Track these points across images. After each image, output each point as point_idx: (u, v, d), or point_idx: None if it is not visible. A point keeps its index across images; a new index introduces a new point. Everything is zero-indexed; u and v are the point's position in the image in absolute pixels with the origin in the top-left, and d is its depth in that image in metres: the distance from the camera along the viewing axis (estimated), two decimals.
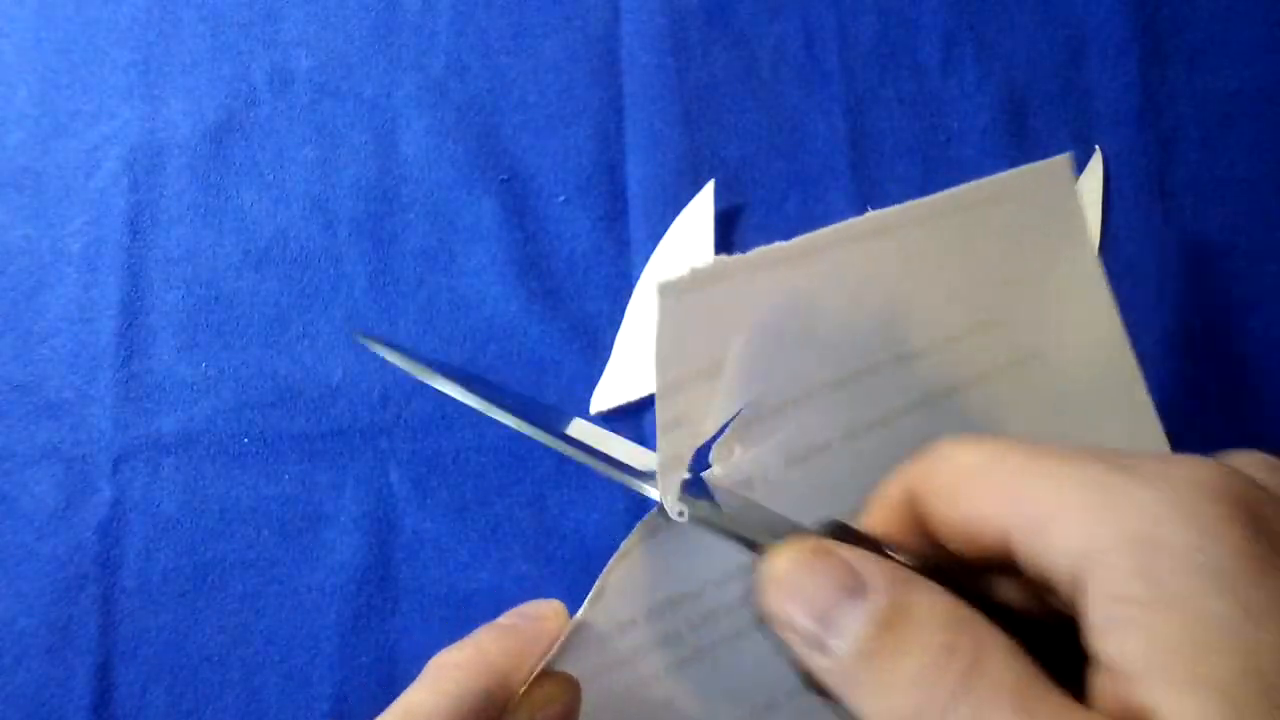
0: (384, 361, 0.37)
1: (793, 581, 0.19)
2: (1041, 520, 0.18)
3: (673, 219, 0.38)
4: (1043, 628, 0.18)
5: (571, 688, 0.25)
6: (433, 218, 0.39)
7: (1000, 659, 0.17)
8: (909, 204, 0.25)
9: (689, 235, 0.38)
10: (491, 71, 0.40)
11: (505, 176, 0.39)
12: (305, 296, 0.38)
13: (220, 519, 0.36)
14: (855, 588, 0.18)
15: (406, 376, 0.37)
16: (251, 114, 0.40)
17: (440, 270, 0.38)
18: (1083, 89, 0.39)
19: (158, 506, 0.36)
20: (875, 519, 0.22)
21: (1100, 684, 0.16)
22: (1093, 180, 0.38)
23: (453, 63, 0.40)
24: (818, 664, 0.18)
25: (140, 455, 0.37)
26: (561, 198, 0.39)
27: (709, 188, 0.38)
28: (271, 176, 0.39)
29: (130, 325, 0.38)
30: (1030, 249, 0.27)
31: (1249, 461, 0.20)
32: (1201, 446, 0.36)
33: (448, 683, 0.23)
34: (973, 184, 0.26)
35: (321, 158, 0.39)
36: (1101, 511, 0.17)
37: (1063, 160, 0.28)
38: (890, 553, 0.20)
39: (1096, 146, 0.38)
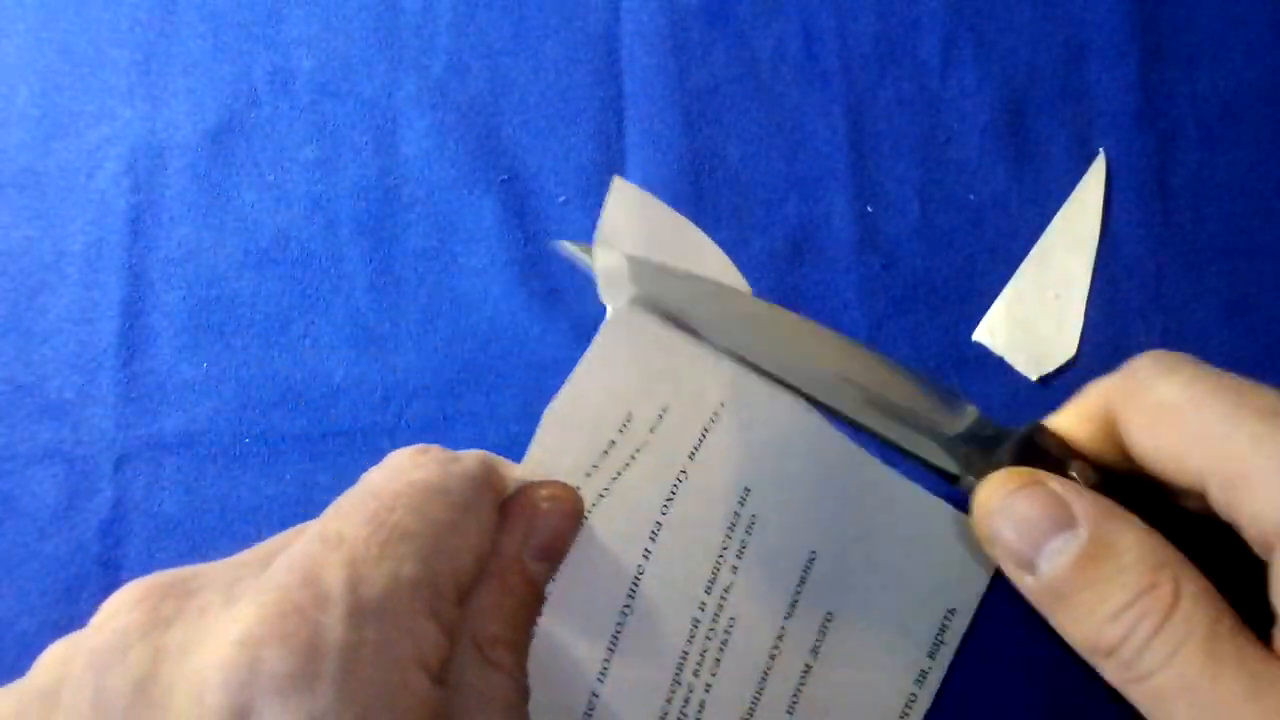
0: (385, 361, 0.37)
1: (1005, 508, 0.21)
2: (1239, 478, 0.19)
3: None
4: (1228, 544, 0.20)
5: (580, 505, 0.25)
6: (433, 218, 0.39)
7: (1196, 605, 0.18)
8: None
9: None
10: (492, 72, 0.40)
11: (506, 177, 0.39)
12: (306, 297, 0.38)
13: (222, 519, 0.36)
14: (1063, 519, 0.20)
15: (408, 376, 0.37)
16: (252, 114, 0.40)
17: (441, 270, 0.38)
18: (1082, 89, 0.39)
19: (159, 507, 0.36)
20: (1069, 419, 0.23)
21: None
22: (1095, 182, 0.38)
23: (453, 63, 0.40)
24: (1024, 583, 0.21)
25: (142, 455, 0.37)
26: (562, 198, 0.39)
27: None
28: (272, 177, 0.39)
29: (131, 325, 0.38)
30: None
31: None
32: None
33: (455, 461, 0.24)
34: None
35: (322, 158, 0.39)
36: None
37: None
38: (1083, 463, 0.22)
39: (1101, 149, 0.38)
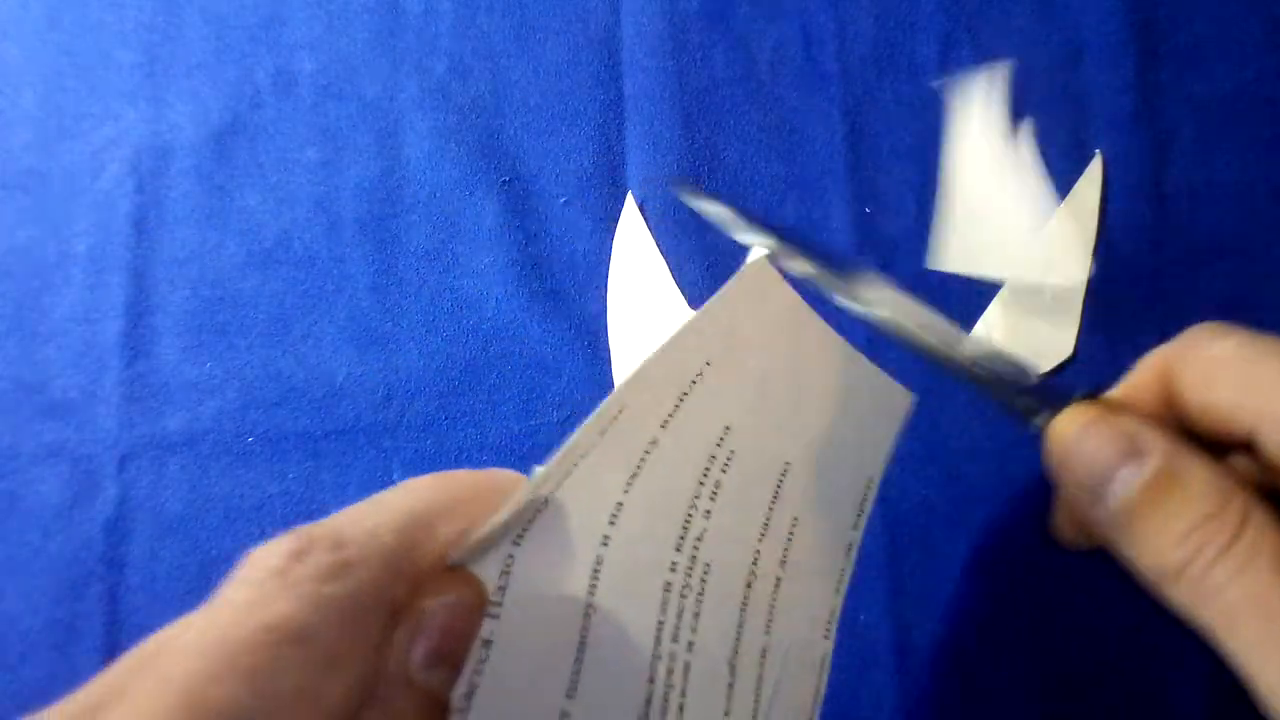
0: (387, 361, 0.38)
1: (1077, 440, 0.22)
2: None
3: (673, 219, 0.38)
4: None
5: (477, 595, 0.21)
6: (435, 219, 0.39)
7: (1263, 529, 0.19)
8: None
9: (635, 254, 0.38)
10: (493, 74, 0.40)
11: (507, 178, 0.39)
12: (309, 297, 0.38)
13: (225, 518, 0.36)
14: (1132, 451, 0.21)
15: (410, 376, 0.37)
16: (255, 116, 0.40)
17: (442, 271, 0.38)
18: (1079, 91, 0.39)
19: (163, 505, 0.37)
20: (1126, 390, 0.23)
21: None
22: (1091, 183, 0.38)
23: (455, 65, 0.40)
24: (1093, 513, 0.21)
25: (145, 454, 0.37)
26: (563, 199, 0.39)
27: (629, 200, 0.38)
28: (275, 178, 0.39)
29: (135, 326, 0.38)
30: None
31: None
32: None
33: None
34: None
35: (325, 159, 0.40)
36: None
37: (907, 398, 0.27)
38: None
39: (1098, 151, 0.38)
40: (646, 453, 0.23)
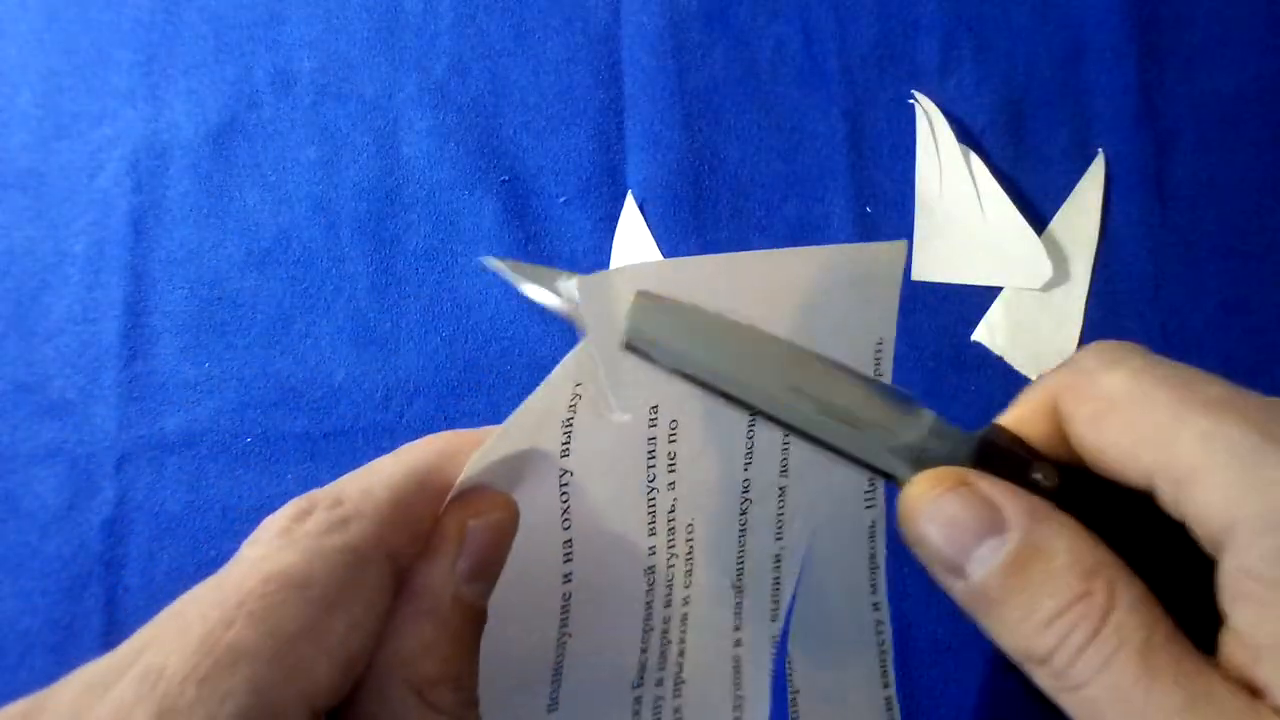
0: (386, 361, 0.38)
1: (932, 511, 0.20)
2: (1187, 474, 0.18)
3: (673, 219, 0.38)
4: (1184, 545, 0.18)
5: (510, 514, 0.22)
6: (434, 218, 0.39)
7: (1131, 613, 0.17)
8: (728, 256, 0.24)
9: (635, 254, 0.38)
10: (493, 73, 0.40)
11: (506, 177, 0.39)
12: (308, 297, 0.38)
13: (223, 518, 0.36)
14: (993, 523, 0.19)
15: (409, 376, 0.37)
16: (254, 115, 0.40)
17: (442, 270, 0.38)
18: (1081, 90, 0.39)
19: (161, 505, 0.36)
20: (1022, 416, 0.21)
21: (1228, 643, 0.17)
22: (1094, 183, 0.38)
23: (454, 64, 0.40)
24: (954, 588, 0.19)
25: (144, 455, 0.37)
26: (562, 199, 0.39)
27: (629, 201, 0.38)
28: (274, 177, 0.39)
29: (134, 325, 0.38)
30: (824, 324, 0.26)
31: None
32: None
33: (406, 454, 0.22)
34: (805, 251, 0.25)
35: (323, 159, 0.39)
36: (1247, 485, 0.17)
37: (897, 246, 0.26)
38: (1047, 465, 0.20)
39: (1100, 149, 0.38)
40: (563, 482, 0.24)
